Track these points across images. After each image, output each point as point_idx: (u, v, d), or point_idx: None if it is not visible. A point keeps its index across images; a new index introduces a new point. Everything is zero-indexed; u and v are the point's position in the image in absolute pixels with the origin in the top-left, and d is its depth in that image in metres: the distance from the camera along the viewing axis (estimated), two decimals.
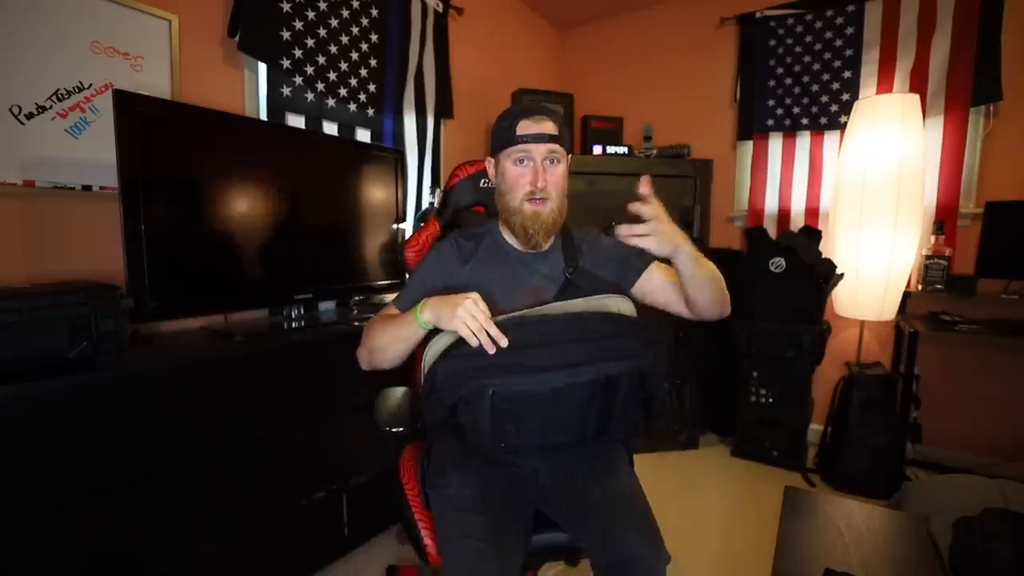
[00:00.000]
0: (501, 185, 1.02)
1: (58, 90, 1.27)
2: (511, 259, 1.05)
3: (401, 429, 1.00)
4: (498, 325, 0.85)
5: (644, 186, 0.83)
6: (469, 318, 0.84)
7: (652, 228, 0.82)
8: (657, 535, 0.85)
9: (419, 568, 1.50)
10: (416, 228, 2.18)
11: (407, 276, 1.15)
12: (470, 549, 0.79)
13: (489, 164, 1.06)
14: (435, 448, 1.01)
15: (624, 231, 0.82)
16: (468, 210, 1.24)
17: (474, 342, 0.83)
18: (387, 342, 0.97)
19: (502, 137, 0.99)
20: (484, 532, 0.81)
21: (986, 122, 2.10)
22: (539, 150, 0.96)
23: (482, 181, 1.22)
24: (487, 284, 1.00)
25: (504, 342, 0.83)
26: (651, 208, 0.82)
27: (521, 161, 0.97)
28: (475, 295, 0.87)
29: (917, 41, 2.18)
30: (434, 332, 0.92)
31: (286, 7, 1.70)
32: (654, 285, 1.03)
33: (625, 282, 1.04)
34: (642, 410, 0.89)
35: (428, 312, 0.90)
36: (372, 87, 2.02)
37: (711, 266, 0.96)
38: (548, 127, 0.96)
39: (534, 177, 0.96)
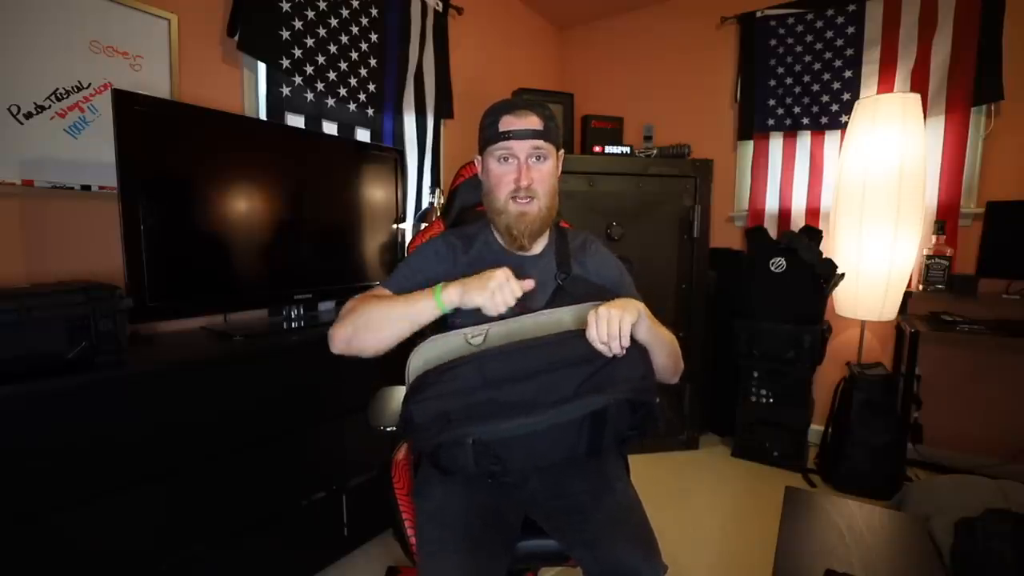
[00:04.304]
0: (486, 183, 0.98)
1: (57, 89, 1.27)
2: (501, 262, 0.96)
3: (394, 428, 0.99)
4: (477, 358, 0.81)
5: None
6: (500, 294, 0.82)
7: (610, 313, 0.79)
8: (653, 546, 0.82)
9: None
10: (416, 228, 2.18)
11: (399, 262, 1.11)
12: (445, 567, 0.78)
13: (477, 162, 1.03)
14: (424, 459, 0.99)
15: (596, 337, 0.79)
16: (472, 210, 1.23)
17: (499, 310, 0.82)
18: (385, 320, 0.88)
19: (486, 134, 0.95)
20: (462, 549, 0.80)
21: (987, 122, 2.09)
22: (522, 147, 0.92)
23: None
24: None
25: (530, 284, 0.85)
26: (593, 318, 0.80)
27: (505, 159, 0.93)
28: (506, 270, 0.84)
29: (918, 40, 2.17)
30: (427, 331, 0.90)
31: (285, 7, 1.70)
32: None
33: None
34: (637, 427, 0.86)
35: (453, 290, 0.86)
36: (372, 87, 2.01)
37: (666, 332, 0.93)
38: (532, 122, 0.92)
39: (517, 175, 0.92)
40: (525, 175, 0.92)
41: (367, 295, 0.96)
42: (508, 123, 0.92)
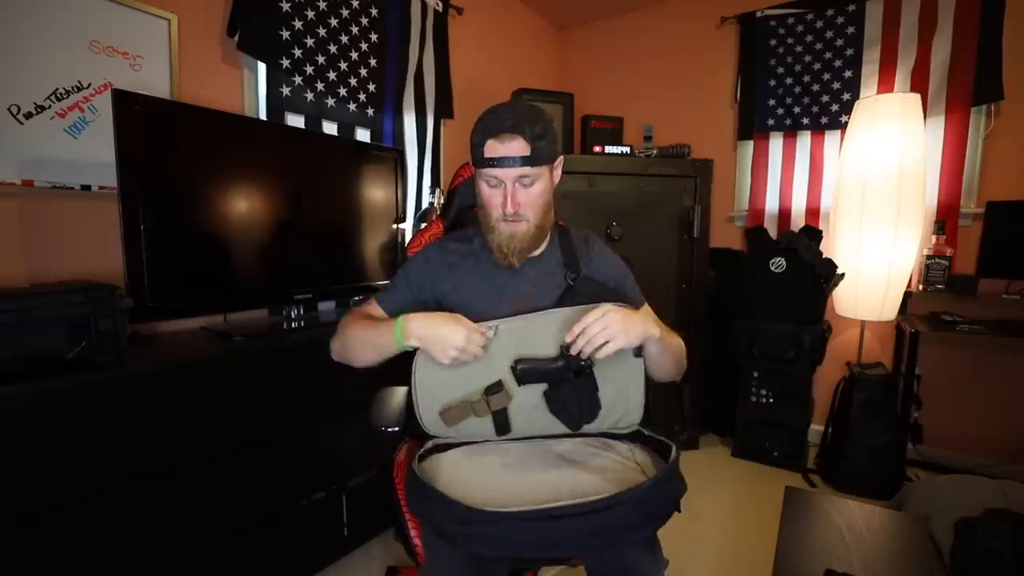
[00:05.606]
0: (479, 199, 0.97)
1: (57, 89, 1.27)
2: (500, 266, 0.99)
3: (395, 429, 0.99)
4: (502, 517, 0.74)
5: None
6: (464, 356, 0.85)
7: (602, 324, 0.83)
8: (655, 540, 0.85)
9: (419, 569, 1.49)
10: (416, 228, 2.18)
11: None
12: (449, 568, 0.79)
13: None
14: None
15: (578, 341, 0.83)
16: (471, 210, 1.23)
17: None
18: (359, 345, 0.95)
19: (474, 154, 0.93)
20: (466, 551, 0.80)
21: (987, 122, 2.09)
22: (508, 174, 0.89)
23: None
24: (472, 292, 0.99)
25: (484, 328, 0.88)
26: (579, 325, 0.83)
27: (492, 185, 0.92)
28: (463, 330, 0.86)
29: (918, 40, 2.17)
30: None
31: (285, 7, 1.70)
32: None
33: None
34: None
35: (413, 336, 0.87)
36: (372, 87, 2.01)
37: (675, 340, 0.95)
38: (518, 147, 0.87)
39: (503, 201, 0.91)
40: (511, 202, 0.90)
41: (359, 312, 1.00)
42: (493, 149, 0.89)
